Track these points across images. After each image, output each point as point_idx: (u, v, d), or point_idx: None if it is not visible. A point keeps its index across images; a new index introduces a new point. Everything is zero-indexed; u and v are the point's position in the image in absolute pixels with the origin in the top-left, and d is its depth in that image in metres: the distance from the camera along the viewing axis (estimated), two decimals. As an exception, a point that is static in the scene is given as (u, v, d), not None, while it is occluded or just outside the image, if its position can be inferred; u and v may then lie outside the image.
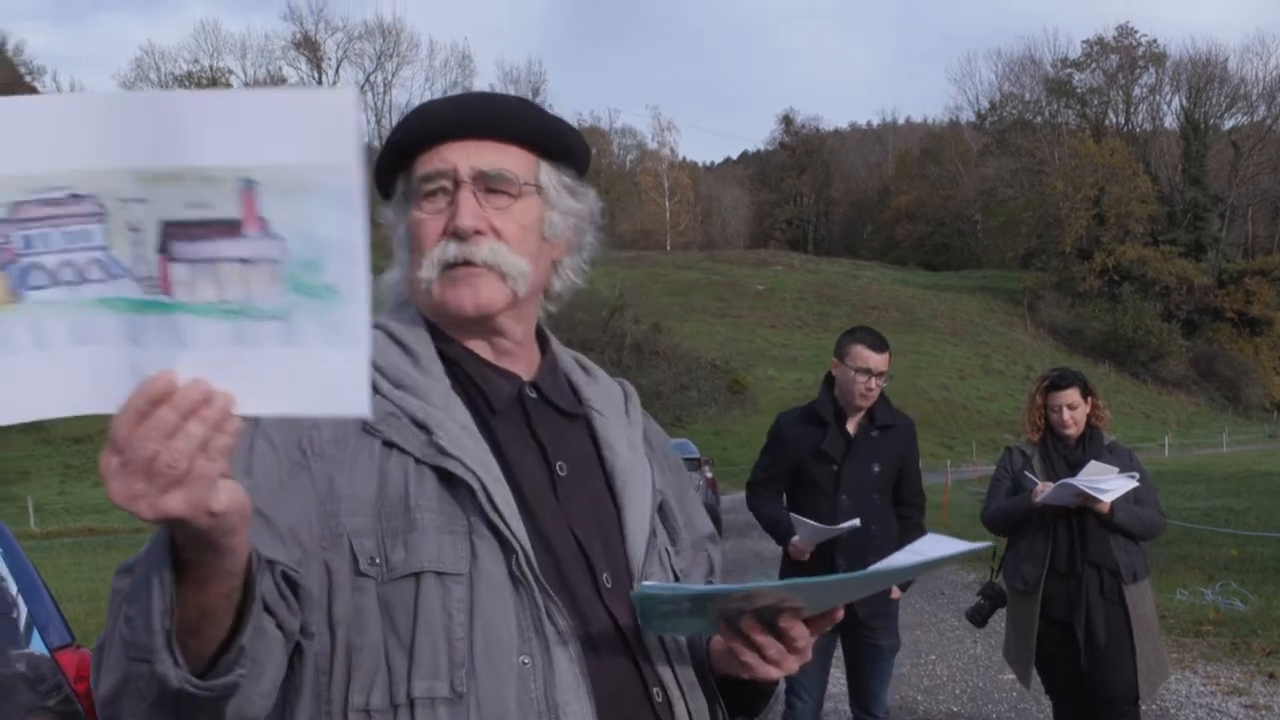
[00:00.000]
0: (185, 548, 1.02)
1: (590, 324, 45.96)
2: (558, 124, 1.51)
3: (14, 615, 3.17)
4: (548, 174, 1.49)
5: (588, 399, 1.55)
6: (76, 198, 0.94)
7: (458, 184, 1.43)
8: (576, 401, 1.54)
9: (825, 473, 4.69)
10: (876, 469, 4.70)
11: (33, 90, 79.02)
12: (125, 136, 0.93)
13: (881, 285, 77.31)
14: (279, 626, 1.19)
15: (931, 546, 1.48)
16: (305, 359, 0.95)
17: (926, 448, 53.25)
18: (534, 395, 1.49)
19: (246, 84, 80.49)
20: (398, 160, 1.49)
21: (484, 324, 1.46)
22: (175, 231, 0.94)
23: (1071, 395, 4.79)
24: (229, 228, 0.94)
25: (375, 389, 1.35)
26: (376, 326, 1.45)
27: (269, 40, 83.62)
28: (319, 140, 0.93)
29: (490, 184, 1.43)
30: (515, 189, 1.45)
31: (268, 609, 1.17)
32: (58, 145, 0.94)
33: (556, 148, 1.50)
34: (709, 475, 21.05)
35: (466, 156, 1.43)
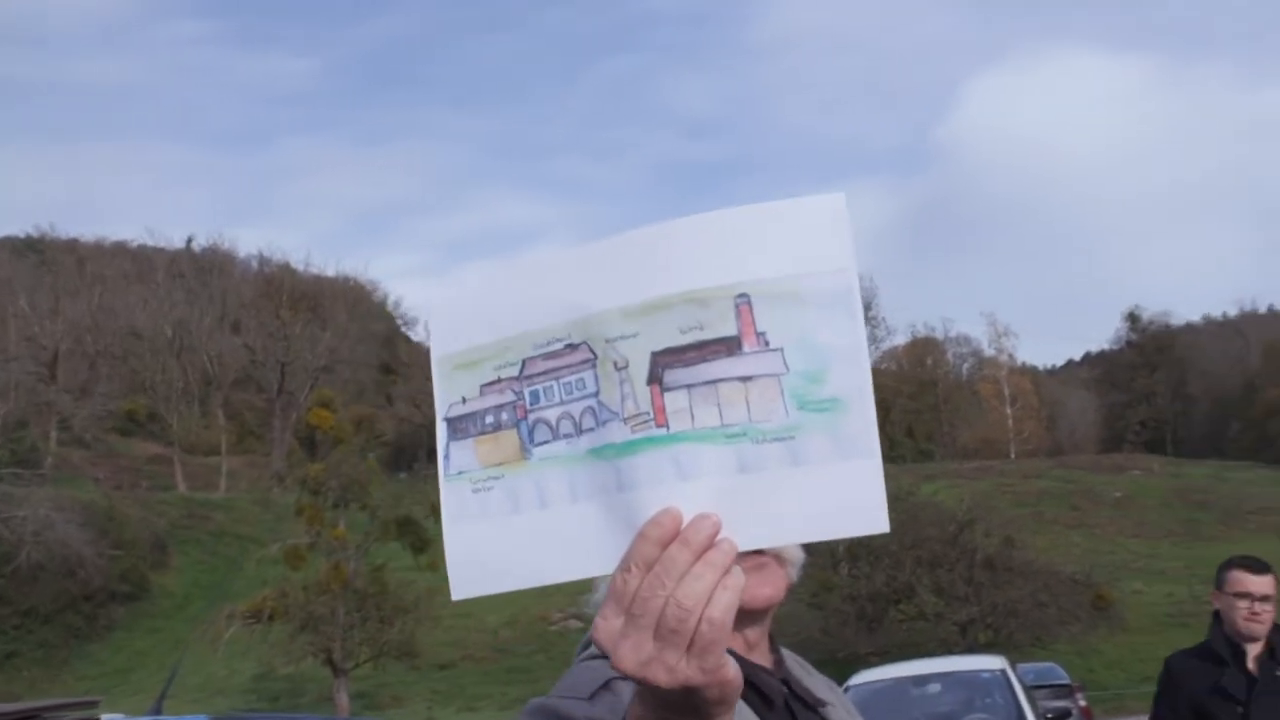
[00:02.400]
0: None
1: (939, 539, 44.37)
2: None
3: None
4: None
5: (816, 693, 1.57)
6: (571, 347, 0.95)
7: None
8: (812, 695, 1.55)
9: (1231, 714, 4.31)
10: None
11: (406, 340, 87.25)
12: (613, 278, 0.93)
13: (1259, 487, 70.86)
14: None
15: None
16: (815, 479, 0.89)
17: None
18: (786, 690, 1.50)
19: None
20: None
21: (756, 617, 1.47)
22: (666, 359, 0.92)
23: None
24: (727, 345, 0.91)
25: None
26: None
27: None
28: (812, 246, 0.91)
29: None
30: None
31: None
32: (556, 299, 0.95)
33: None
34: (1082, 704, 19.40)
35: None
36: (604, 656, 1.42)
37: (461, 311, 1.01)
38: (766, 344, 0.91)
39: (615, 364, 0.93)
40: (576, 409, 0.95)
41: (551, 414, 0.96)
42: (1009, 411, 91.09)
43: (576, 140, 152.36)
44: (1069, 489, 68.75)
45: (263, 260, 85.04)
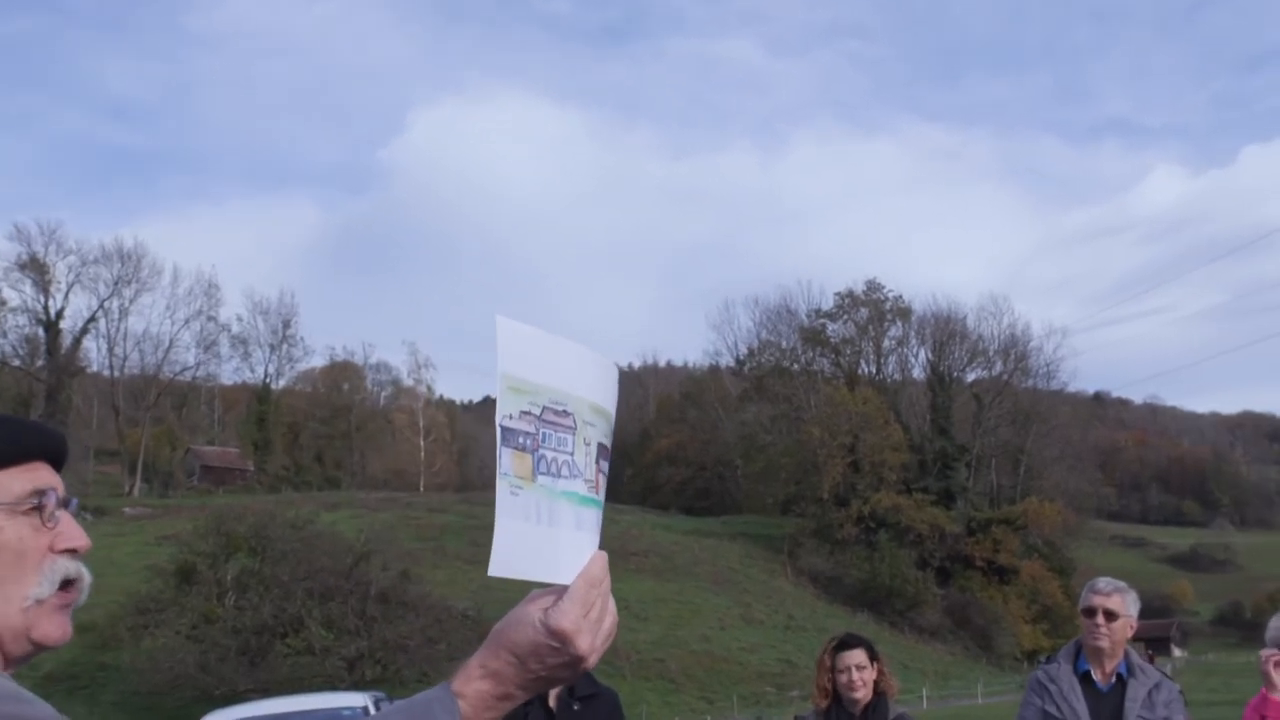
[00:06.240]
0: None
1: (333, 570, 41.93)
2: None
3: None
4: None
5: None
6: (566, 413, 1.33)
7: (57, 504, 1.44)
8: None
9: None
10: None
11: None
12: (592, 380, 1.36)
13: (642, 530, 75.61)
14: None
15: None
16: (590, 544, 1.37)
17: (687, 702, 50.54)
18: None
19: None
20: None
21: (37, 652, 1.42)
22: (601, 450, 1.38)
23: (859, 655, 4.86)
24: (606, 451, 1.39)
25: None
26: None
27: (-10, 260, 77.05)
28: (615, 394, 1.42)
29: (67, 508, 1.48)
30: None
31: None
32: (570, 375, 1.34)
33: None
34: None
35: (58, 479, 1.47)
36: None
37: (521, 345, 1.31)
38: (607, 455, 1.40)
39: (585, 440, 1.34)
40: (560, 459, 1.32)
41: (549, 454, 1.31)
42: (422, 443, 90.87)
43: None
44: (472, 525, 69.03)
45: None
